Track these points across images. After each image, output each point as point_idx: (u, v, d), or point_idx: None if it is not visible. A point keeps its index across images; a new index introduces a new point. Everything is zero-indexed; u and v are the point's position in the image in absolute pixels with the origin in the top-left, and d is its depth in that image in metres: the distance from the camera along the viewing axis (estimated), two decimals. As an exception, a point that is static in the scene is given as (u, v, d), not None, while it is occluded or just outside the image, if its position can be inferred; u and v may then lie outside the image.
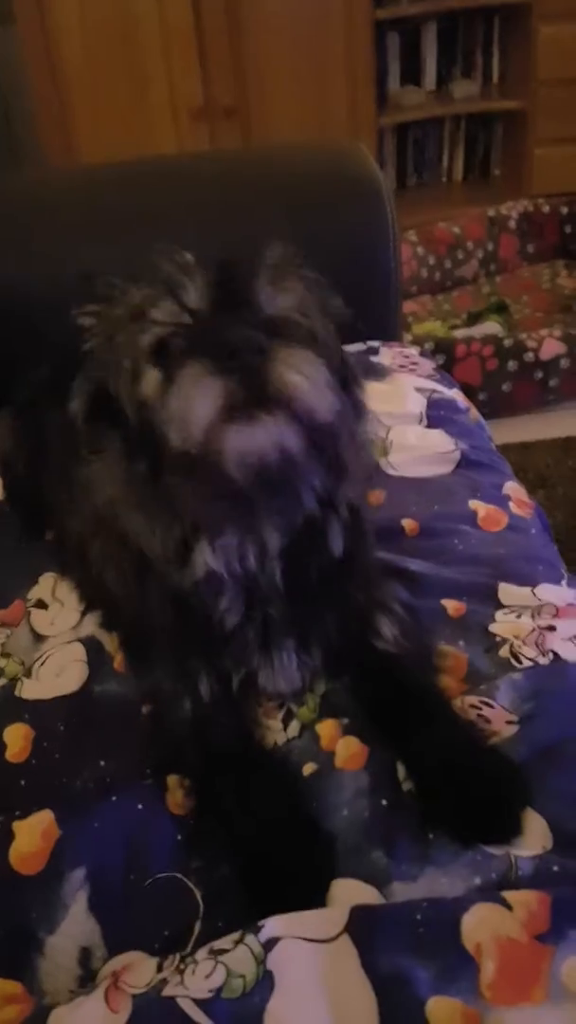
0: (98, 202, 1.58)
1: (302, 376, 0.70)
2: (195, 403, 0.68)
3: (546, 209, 3.19)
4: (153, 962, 0.76)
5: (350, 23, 3.13)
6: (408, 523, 1.21)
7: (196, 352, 0.69)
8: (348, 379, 0.83)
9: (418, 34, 3.50)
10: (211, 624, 0.88)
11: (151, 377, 0.74)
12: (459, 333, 2.72)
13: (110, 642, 1.09)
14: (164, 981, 0.73)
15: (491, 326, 2.79)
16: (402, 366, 1.61)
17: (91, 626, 1.12)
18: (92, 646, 1.09)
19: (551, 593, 1.08)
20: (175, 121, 3.13)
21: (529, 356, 2.48)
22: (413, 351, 1.70)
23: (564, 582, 1.13)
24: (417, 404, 1.48)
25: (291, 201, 1.50)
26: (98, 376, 0.79)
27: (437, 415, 1.46)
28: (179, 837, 0.87)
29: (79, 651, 1.09)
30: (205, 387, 0.68)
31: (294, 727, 0.96)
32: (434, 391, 1.53)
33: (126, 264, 1.43)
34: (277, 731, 0.96)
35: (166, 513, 0.80)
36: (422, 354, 1.72)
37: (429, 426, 1.44)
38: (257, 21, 3.05)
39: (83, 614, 1.15)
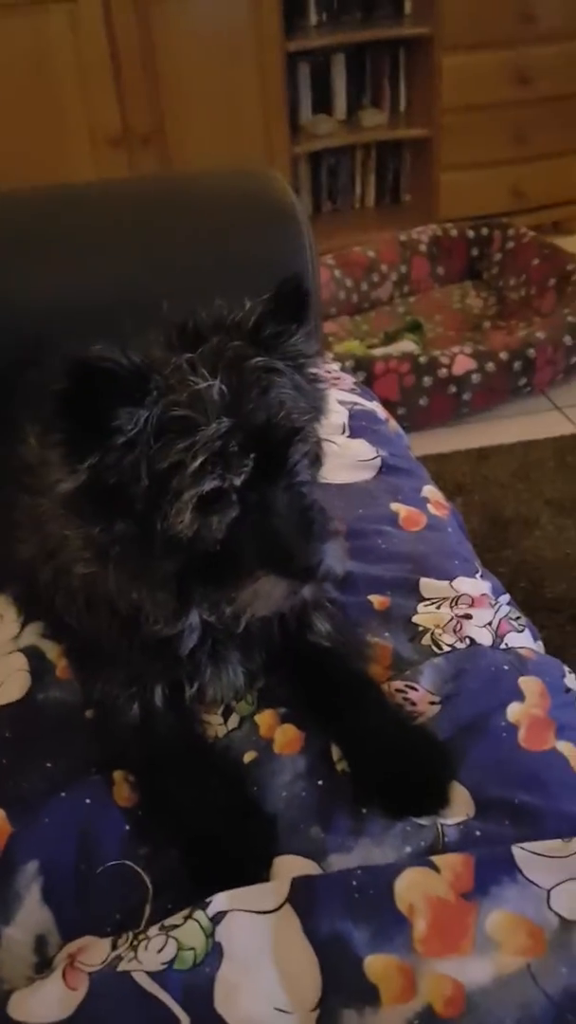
0: (16, 227, 1.61)
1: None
2: (269, 598, 0.85)
3: (454, 233, 3.34)
4: (107, 942, 0.80)
5: (262, 54, 3.23)
6: (336, 525, 1.27)
7: (270, 560, 0.83)
8: (320, 455, 0.96)
9: (328, 65, 3.63)
10: (167, 647, 0.95)
11: (191, 519, 0.82)
12: (377, 351, 2.82)
13: (52, 650, 1.13)
14: (119, 958, 0.77)
15: (407, 344, 2.91)
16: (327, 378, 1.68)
17: (32, 636, 1.15)
18: (34, 655, 1.12)
19: (467, 585, 1.17)
20: (93, 149, 3.17)
21: (443, 372, 2.60)
22: (335, 366, 1.77)
23: (478, 575, 1.21)
24: (339, 415, 1.55)
25: (209, 227, 1.56)
26: (112, 471, 0.83)
27: (358, 425, 1.54)
28: (127, 827, 0.91)
29: (21, 661, 1.12)
30: (280, 589, 0.84)
31: (234, 719, 1.01)
32: (355, 403, 1.61)
33: (45, 290, 1.47)
34: (217, 724, 1.01)
35: (166, 589, 0.87)
36: (343, 370, 1.80)
37: (351, 436, 1.51)
38: (171, 51, 3.13)
39: (23, 626, 1.18)
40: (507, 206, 3.62)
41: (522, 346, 2.67)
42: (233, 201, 1.54)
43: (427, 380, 2.59)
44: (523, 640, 1.13)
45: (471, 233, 3.33)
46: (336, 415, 1.55)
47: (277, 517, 0.83)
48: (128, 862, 0.88)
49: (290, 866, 0.86)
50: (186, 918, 0.79)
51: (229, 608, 0.86)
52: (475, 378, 2.61)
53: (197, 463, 0.80)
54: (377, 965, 0.74)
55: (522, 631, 1.15)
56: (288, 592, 0.84)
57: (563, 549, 2.16)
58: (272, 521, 0.83)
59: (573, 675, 1.08)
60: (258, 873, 0.85)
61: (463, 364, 2.60)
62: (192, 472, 0.80)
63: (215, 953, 0.76)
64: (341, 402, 1.60)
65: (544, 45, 3.45)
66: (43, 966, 0.82)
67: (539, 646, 1.18)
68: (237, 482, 0.82)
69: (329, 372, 1.73)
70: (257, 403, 0.83)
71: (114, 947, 0.79)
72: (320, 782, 0.93)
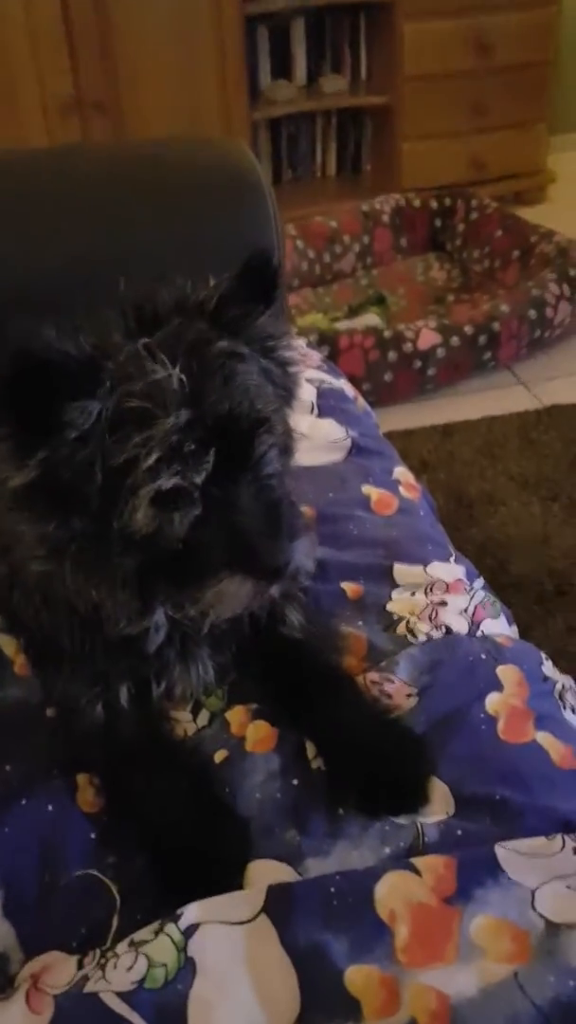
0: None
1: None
2: (235, 599, 0.80)
3: (416, 203, 3.29)
4: (73, 960, 0.76)
5: (219, 17, 3.13)
6: (305, 510, 1.23)
7: (235, 560, 0.79)
8: (290, 445, 0.91)
9: (287, 29, 3.53)
10: (132, 646, 0.90)
11: (150, 517, 0.77)
12: (341, 325, 2.77)
13: (9, 646, 1.07)
14: (85, 978, 0.73)
15: (371, 318, 2.86)
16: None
17: (-13, 631, 1.10)
18: (-11, 652, 1.07)
19: (441, 570, 1.13)
20: (44, 116, 3.06)
21: (408, 347, 2.56)
22: (301, 342, 1.73)
23: (452, 559, 1.18)
24: (307, 394, 1.50)
25: (169, 197, 1.49)
26: (64, 467, 0.78)
27: (327, 404, 1.50)
28: (92, 834, 0.87)
29: (-24, 658, 1.06)
30: (247, 589, 0.80)
31: (203, 716, 0.97)
32: (323, 381, 1.57)
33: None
34: (186, 722, 0.97)
35: (127, 588, 0.83)
36: (308, 346, 1.75)
37: (320, 416, 1.47)
38: (126, 15, 3.01)
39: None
40: (468, 176, 3.59)
41: (487, 320, 2.64)
42: (195, 170, 1.47)
43: (392, 355, 2.54)
44: (499, 626, 1.11)
45: (434, 203, 3.29)
46: (304, 394, 1.51)
47: (243, 514, 0.78)
48: (94, 872, 0.83)
49: (265, 871, 0.82)
50: (156, 932, 0.75)
51: (193, 608, 0.82)
52: (440, 353, 2.58)
53: (153, 459, 0.75)
54: (358, 977, 0.71)
55: (498, 616, 1.12)
56: (255, 592, 0.80)
57: (528, 527, 2.15)
58: (237, 519, 0.78)
59: (550, 662, 1.06)
60: (232, 880, 0.81)
61: (428, 339, 2.56)
62: (148, 468, 0.75)
63: (187, 969, 0.72)
64: (308, 380, 1.55)
65: (504, 14, 3.40)
66: (4, 985, 0.77)
67: (514, 631, 1.16)
68: (198, 480, 0.77)
69: (298, 350, 1.67)
70: (219, 393, 0.78)
71: (80, 966, 0.75)
72: (295, 781, 0.89)
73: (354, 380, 2.16)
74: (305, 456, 1.34)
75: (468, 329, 2.61)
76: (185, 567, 0.80)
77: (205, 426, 0.77)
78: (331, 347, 2.49)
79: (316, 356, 1.70)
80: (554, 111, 3.75)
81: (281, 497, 0.83)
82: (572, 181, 3.96)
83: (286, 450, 0.90)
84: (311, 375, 1.58)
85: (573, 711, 0.99)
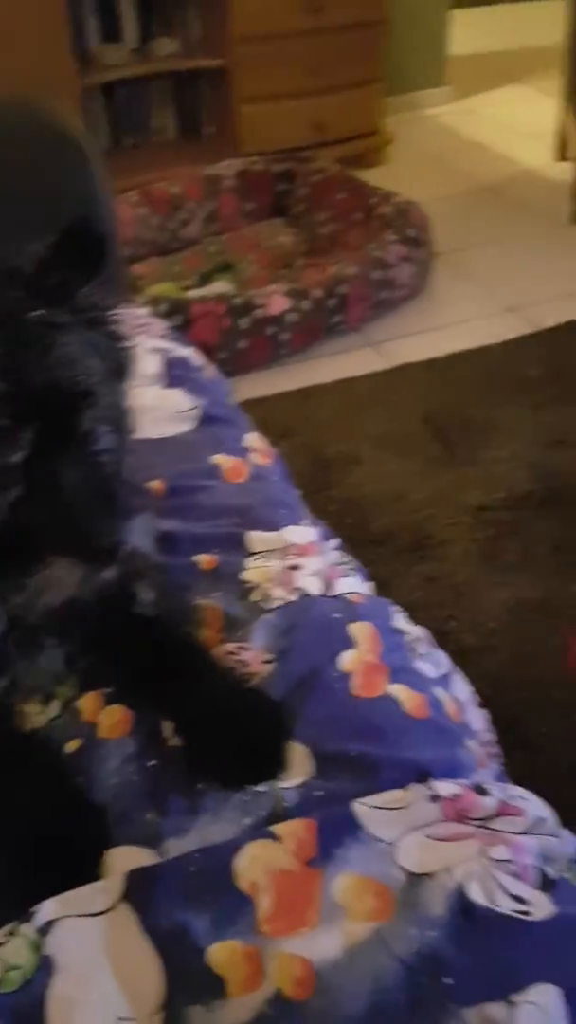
0: None
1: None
2: (64, 585, 0.77)
3: (259, 167, 3.25)
4: None
5: (39, -25, 2.98)
6: (155, 484, 1.20)
7: (62, 542, 0.74)
8: (124, 421, 0.87)
9: (114, -12, 3.42)
10: None
11: None
12: (193, 294, 2.72)
13: None
14: None
15: (221, 285, 2.83)
16: (133, 327, 1.58)
17: None
18: None
19: (295, 534, 1.13)
20: None
21: (259, 313, 2.54)
22: (142, 312, 1.68)
23: (306, 522, 1.17)
24: (153, 364, 1.46)
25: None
26: None
27: (175, 374, 1.46)
28: None
29: None
30: (76, 574, 0.76)
31: (55, 706, 0.93)
32: (169, 351, 1.53)
33: None
34: (36, 714, 0.93)
35: None
36: (157, 315, 1.71)
37: (168, 386, 1.43)
38: None
39: None
40: (309, 139, 3.58)
41: (334, 282, 2.65)
42: (10, 131, 1.39)
43: (244, 322, 2.52)
44: (352, 584, 1.11)
45: (275, 167, 3.26)
46: (149, 365, 1.47)
47: (69, 494, 0.74)
48: (-58, 880, 0.79)
49: (124, 858, 0.79)
50: (9, 935, 0.71)
51: (20, 597, 0.77)
52: (291, 317, 2.57)
53: None
54: (221, 954, 0.70)
55: (350, 575, 1.13)
56: (86, 577, 0.76)
57: (384, 483, 2.19)
58: (63, 499, 0.74)
59: (401, 614, 1.06)
60: (90, 871, 0.78)
61: (279, 304, 2.55)
62: None
63: (45, 968, 0.69)
64: (154, 350, 1.51)
65: (334, -29, 3.38)
66: None
67: (368, 587, 1.16)
68: (15, 459, 0.72)
69: (136, 319, 1.62)
70: (37, 364, 0.73)
71: None
72: (151, 763, 0.86)
73: (209, 349, 2.13)
74: (153, 428, 1.31)
75: (317, 292, 2.62)
76: (8, 553, 0.75)
77: (22, 401, 0.72)
78: (184, 316, 2.45)
79: (160, 325, 1.66)
80: (389, 72, 3.78)
81: (112, 475, 0.80)
82: (409, 142, 4.02)
83: (119, 426, 0.86)
84: (157, 345, 1.54)
85: (423, 659, 1.00)
